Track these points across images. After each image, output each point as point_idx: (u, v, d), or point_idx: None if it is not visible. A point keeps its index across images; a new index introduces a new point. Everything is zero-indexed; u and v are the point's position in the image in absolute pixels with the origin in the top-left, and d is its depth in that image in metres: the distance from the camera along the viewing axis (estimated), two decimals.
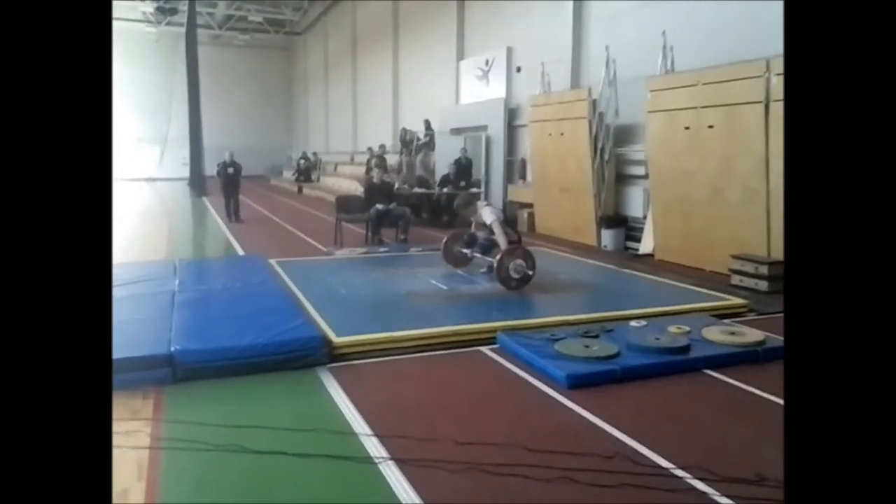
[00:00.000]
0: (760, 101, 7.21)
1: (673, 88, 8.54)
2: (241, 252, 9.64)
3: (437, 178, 13.94)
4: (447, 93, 16.95)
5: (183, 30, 22.79)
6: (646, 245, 9.42)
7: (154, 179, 29.72)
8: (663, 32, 9.07)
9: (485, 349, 4.83)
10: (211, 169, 18.85)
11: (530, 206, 12.35)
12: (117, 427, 3.23)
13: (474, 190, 13.08)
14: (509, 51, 14.16)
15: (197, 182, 20.92)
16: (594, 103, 10.22)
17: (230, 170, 13.96)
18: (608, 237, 10.02)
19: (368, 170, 13.42)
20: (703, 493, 2.81)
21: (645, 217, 9.69)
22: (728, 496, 2.77)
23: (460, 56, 16.47)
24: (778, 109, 7.04)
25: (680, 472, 2.98)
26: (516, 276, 6.52)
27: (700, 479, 2.91)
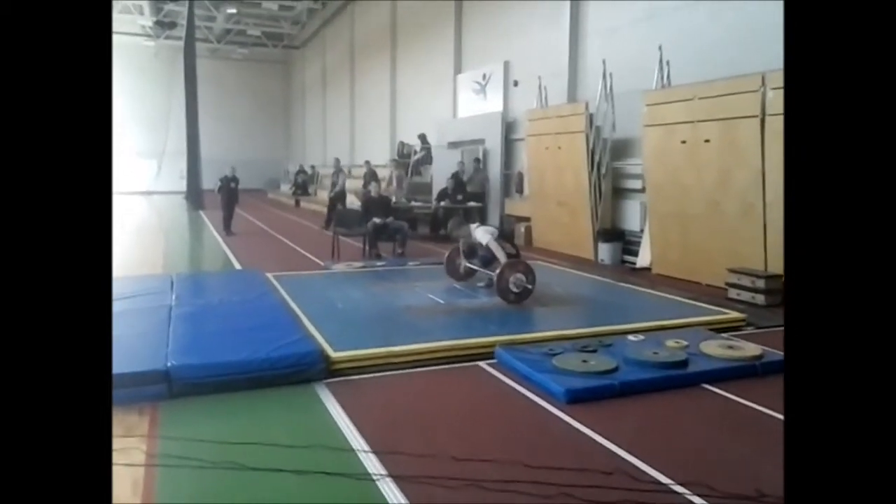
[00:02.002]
0: (756, 116, 7.25)
1: (669, 103, 8.59)
2: (238, 266, 9.63)
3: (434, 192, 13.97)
4: (445, 107, 17.03)
5: (181, 43, 22.86)
6: (643, 259, 9.43)
7: (151, 193, 29.72)
8: (660, 47, 9.14)
9: (483, 364, 4.81)
10: (208, 182, 18.89)
11: (528, 219, 12.37)
12: (112, 444, 3.21)
13: (472, 204, 13.08)
14: (506, 65, 14.25)
15: (194, 196, 20.92)
16: (591, 117, 10.27)
17: (233, 184, 14.06)
18: (605, 251, 10.03)
19: (366, 184, 13.46)
20: None
21: (642, 231, 9.71)
22: None
23: (458, 70, 16.56)
24: (774, 123, 7.07)
25: (679, 488, 2.96)
26: (516, 289, 6.51)
27: (699, 496, 2.89)
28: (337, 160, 16.83)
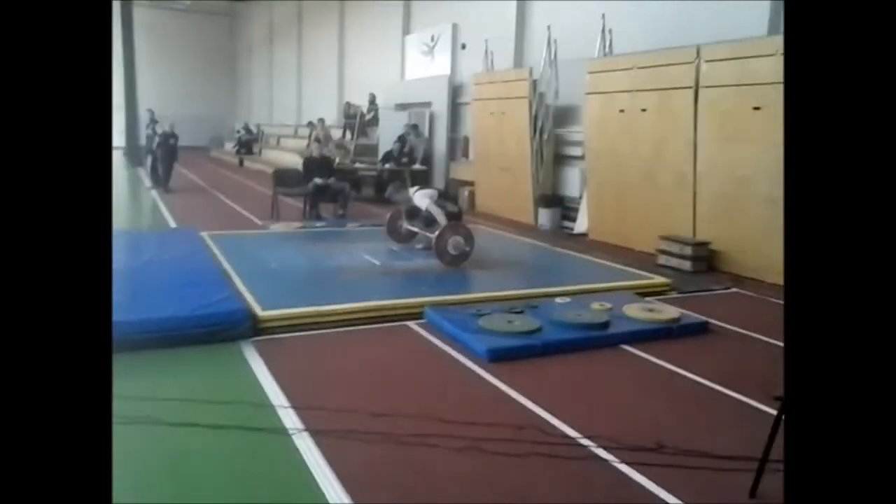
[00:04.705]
0: (691, 87, 7.42)
1: (610, 71, 8.69)
2: (173, 225, 9.41)
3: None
4: (393, 68, 16.79)
5: None
6: (580, 225, 9.63)
7: None
8: (602, 15, 9.19)
9: (412, 324, 4.87)
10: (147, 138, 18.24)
11: (472, 184, 12.43)
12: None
13: (417, 167, 13.06)
14: (455, 27, 14.11)
15: (132, 152, 20.21)
16: (535, 83, 10.30)
17: (171, 141, 13.59)
18: (545, 216, 10.19)
19: (310, 144, 13.25)
20: (605, 461, 2.94)
21: (581, 197, 9.89)
22: (627, 463, 2.91)
23: (406, 31, 16.31)
24: (707, 95, 7.26)
25: (586, 442, 3.11)
26: (454, 252, 6.58)
27: (604, 448, 3.04)
28: (151, 111, 14.86)
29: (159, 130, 13.98)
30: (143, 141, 19.14)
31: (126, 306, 4.44)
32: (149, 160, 14.61)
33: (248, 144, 23.86)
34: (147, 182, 13.88)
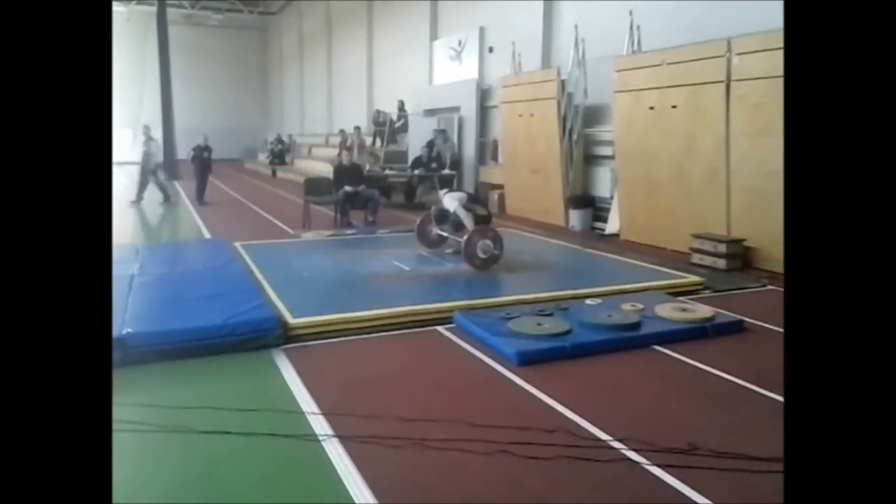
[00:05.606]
0: (722, 81, 7.28)
1: (638, 68, 8.59)
2: (208, 235, 9.58)
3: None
4: (421, 73, 16.86)
5: (154, 8, 22.33)
6: (612, 225, 9.51)
7: (125, 163, 29.17)
8: (630, 11, 9.09)
9: (441, 329, 4.87)
10: (183, 152, 18.63)
11: (502, 187, 12.39)
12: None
13: (446, 172, 13.07)
14: (482, 31, 14.11)
15: (169, 166, 20.64)
16: (563, 83, 10.23)
17: (206, 154, 13.88)
18: (576, 218, 10.09)
19: (340, 152, 13.41)
20: (636, 463, 2.89)
21: (612, 197, 9.77)
22: (659, 465, 2.85)
23: (433, 36, 16.36)
24: (739, 89, 7.11)
25: (616, 444, 3.06)
26: (483, 255, 6.56)
27: (635, 450, 2.99)
28: (147, 127, 14.43)
29: (154, 149, 14.00)
30: (181, 155, 19.54)
31: (160, 317, 4.54)
32: (150, 178, 13.94)
33: (280, 155, 24.22)
34: (185, 197, 14.15)
